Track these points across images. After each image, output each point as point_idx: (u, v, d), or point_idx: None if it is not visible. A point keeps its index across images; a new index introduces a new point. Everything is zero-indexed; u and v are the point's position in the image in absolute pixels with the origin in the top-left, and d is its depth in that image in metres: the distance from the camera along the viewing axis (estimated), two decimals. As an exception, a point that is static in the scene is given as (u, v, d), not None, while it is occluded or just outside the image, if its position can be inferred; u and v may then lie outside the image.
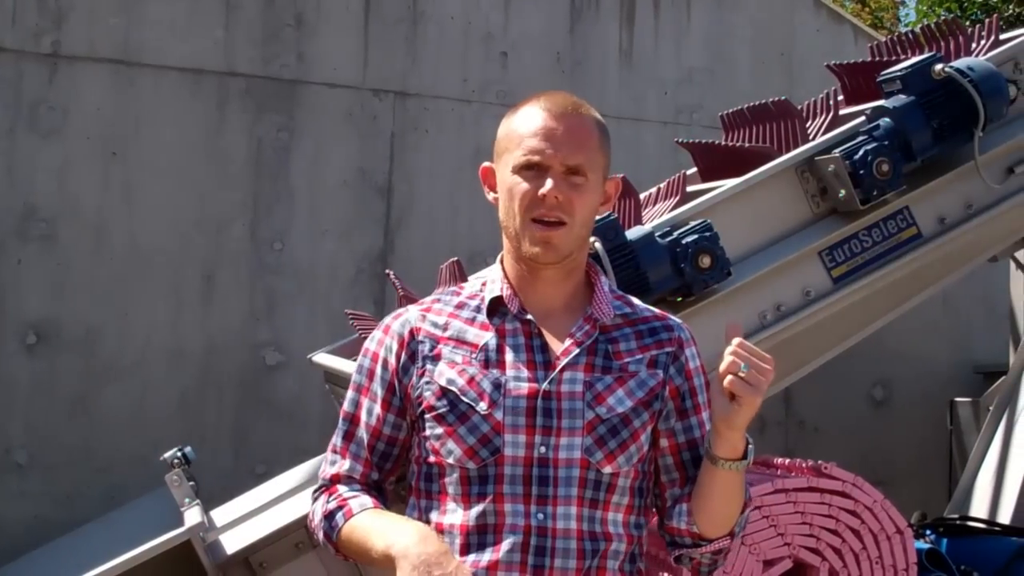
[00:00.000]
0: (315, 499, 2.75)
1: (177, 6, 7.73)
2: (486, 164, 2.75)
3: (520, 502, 2.56)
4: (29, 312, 7.33)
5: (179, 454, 5.40)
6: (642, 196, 5.98)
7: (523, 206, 2.60)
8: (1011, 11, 17.51)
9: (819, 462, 4.64)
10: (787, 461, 4.86)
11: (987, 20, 5.94)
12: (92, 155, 7.50)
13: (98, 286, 7.44)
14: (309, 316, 7.75)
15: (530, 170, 2.59)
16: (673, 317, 2.83)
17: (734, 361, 2.47)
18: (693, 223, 4.91)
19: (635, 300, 2.84)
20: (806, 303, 5.18)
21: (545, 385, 2.60)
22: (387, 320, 2.78)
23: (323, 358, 6.01)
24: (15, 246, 7.33)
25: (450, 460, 2.59)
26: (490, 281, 2.72)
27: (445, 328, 2.69)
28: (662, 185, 6.16)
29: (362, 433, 2.72)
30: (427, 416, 2.62)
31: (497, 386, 2.60)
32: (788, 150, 5.51)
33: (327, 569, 4.94)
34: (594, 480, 2.59)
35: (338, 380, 5.73)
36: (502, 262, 2.75)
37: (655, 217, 5.58)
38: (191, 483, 5.30)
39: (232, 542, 5.14)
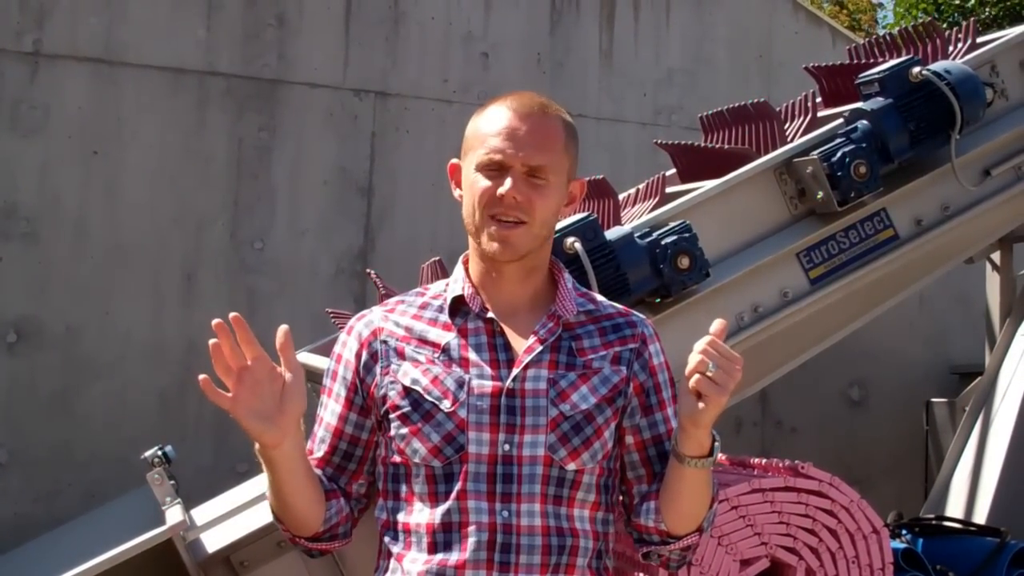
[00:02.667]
0: None
1: (159, 5, 7.74)
2: (454, 161, 2.77)
3: (484, 499, 2.56)
4: (10, 310, 7.33)
5: (160, 453, 5.38)
6: (621, 197, 6.00)
7: (482, 204, 2.62)
8: (988, 13, 17.59)
9: (796, 462, 4.67)
10: (764, 461, 4.89)
11: (964, 23, 5.97)
12: (73, 154, 7.51)
13: (79, 284, 7.45)
14: (290, 315, 7.72)
15: (492, 169, 2.62)
16: (636, 313, 2.84)
17: (702, 360, 2.49)
18: (672, 224, 4.91)
19: (599, 297, 2.86)
20: (784, 304, 5.20)
21: (508, 383, 2.61)
22: (351, 322, 2.80)
23: (304, 356, 6.01)
24: (-4, 245, 7.35)
25: (415, 459, 2.60)
26: (452, 281, 2.75)
27: (408, 328, 2.71)
28: (641, 186, 6.18)
29: (323, 434, 2.76)
30: (391, 416, 2.64)
31: (460, 384, 2.61)
32: (767, 152, 5.53)
33: (308, 568, 4.94)
34: (558, 477, 2.60)
35: (319, 379, 5.72)
36: (465, 262, 2.77)
37: (634, 218, 5.59)
38: (172, 482, 5.30)
39: (213, 541, 5.12)
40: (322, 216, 7.97)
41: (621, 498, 2.82)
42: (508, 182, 2.59)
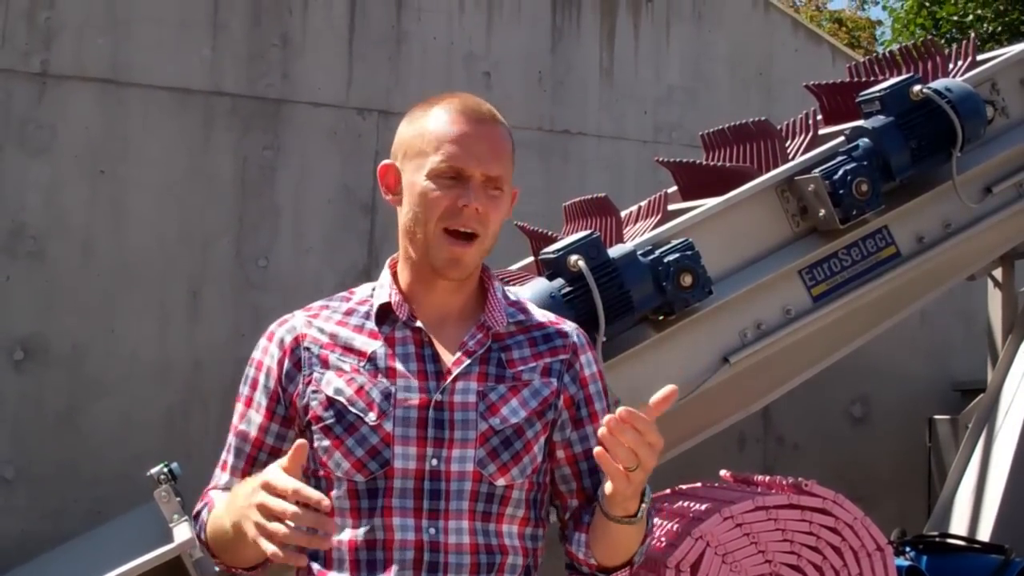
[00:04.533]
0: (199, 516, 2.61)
1: (165, 26, 7.78)
2: (386, 163, 2.61)
3: (410, 516, 2.44)
4: (17, 328, 7.36)
5: (166, 470, 5.40)
6: (623, 214, 6.03)
7: (438, 215, 2.48)
8: (986, 29, 17.63)
9: (799, 479, 4.69)
10: (767, 478, 4.91)
11: (964, 41, 6.01)
12: (80, 173, 7.54)
13: (85, 302, 7.47)
14: (294, 332, 7.76)
15: (448, 177, 2.48)
16: (569, 322, 2.72)
17: (622, 451, 2.26)
18: (675, 242, 4.95)
19: (531, 306, 2.72)
20: (786, 321, 5.23)
21: (437, 395, 2.48)
22: (272, 327, 2.63)
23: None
24: (4, 263, 7.37)
25: (338, 473, 2.46)
26: (379, 287, 2.61)
27: (333, 335, 2.55)
28: (643, 204, 6.21)
29: (240, 444, 2.61)
30: (314, 427, 2.49)
31: (387, 396, 2.47)
32: (768, 170, 5.56)
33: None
34: (487, 493, 2.49)
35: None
36: (392, 267, 2.63)
37: (637, 236, 5.62)
38: (178, 499, 5.32)
39: (220, 558, 5.15)
40: (326, 234, 8.00)
41: (556, 513, 2.71)
42: (471, 194, 2.46)
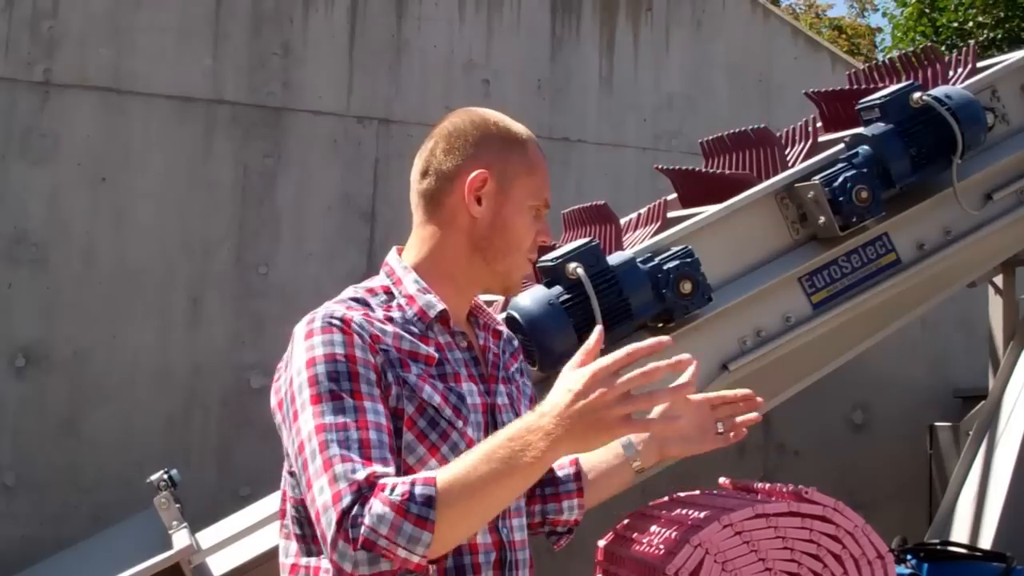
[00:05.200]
0: (354, 522, 2.20)
1: (166, 36, 7.80)
2: (483, 172, 2.57)
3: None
4: (18, 335, 7.38)
5: (165, 476, 5.40)
6: (622, 222, 6.03)
7: (528, 246, 2.61)
8: (986, 36, 17.65)
9: (800, 486, 4.68)
10: (767, 486, 4.90)
11: (964, 48, 6.01)
12: (82, 181, 7.56)
13: (86, 309, 7.49)
14: (294, 339, 7.76)
15: (536, 210, 2.62)
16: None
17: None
18: (674, 249, 4.94)
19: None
20: (786, 328, 5.22)
21: (490, 398, 2.56)
22: (335, 322, 2.43)
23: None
24: (6, 270, 7.39)
25: None
26: (414, 292, 2.55)
27: (396, 337, 2.45)
28: (643, 211, 6.20)
29: (378, 436, 2.31)
30: (406, 433, 2.40)
31: (462, 401, 2.47)
32: (768, 177, 5.56)
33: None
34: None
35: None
36: (419, 270, 2.59)
37: (636, 243, 5.61)
38: (178, 505, 5.32)
39: (219, 564, 5.15)
40: (326, 241, 8.01)
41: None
42: (546, 231, 2.65)
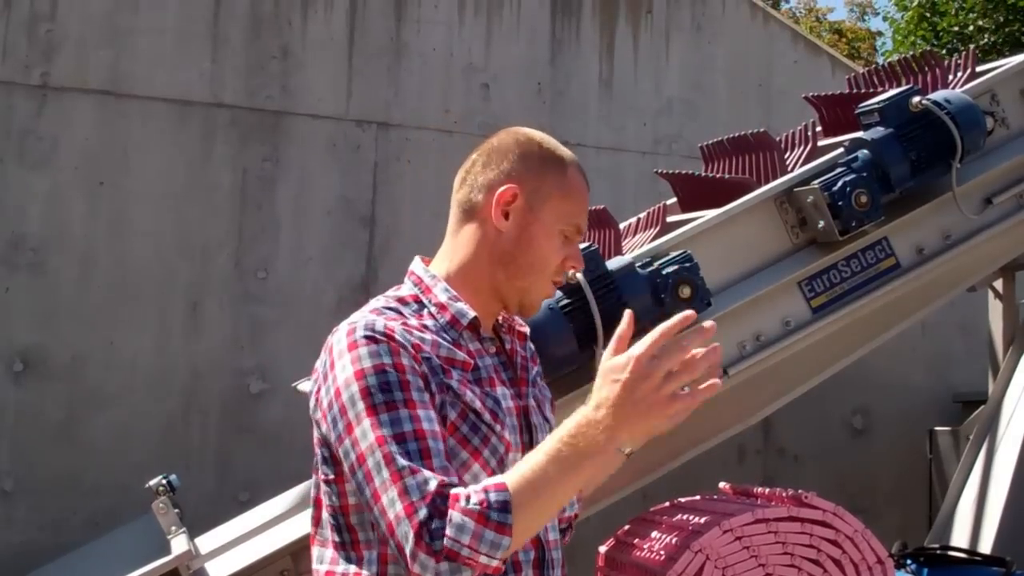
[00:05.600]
0: (435, 534, 2.23)
1: (165, 39, 7.80)
2: (513, 187, 2.58)
3: None
4: (16, 340, 7.37)
5: (164, 481, 5.39)
6: (622, 226, 6.02)
7: (553, 268, 2.61)
8: (986, 40, 17.64)
9: (799, 491, 4.67)
10: (767, 490, 4.89)
11: (964, 52, 5.99)
12: (80, 185, 7.56)
13: (85, 314, 7.48)
14: (293, 343, 7.77)
15: (567, 235, 2.62)
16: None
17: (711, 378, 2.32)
18: (673, 254, 4.93)
19: None
20: (785, 333, 5.20)
21: (523, 401, 2.61)
22: (377, 333, 2.43)
23: (307, 386, 6.02)
24: (3, 274, 7.38)
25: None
26: (446, 301, 2.58)
27: (434, 344, 2.48)
28: (642, 215, 6.19)
29: (435, 444, 2.34)
30: (448, 438, 2.41)
31: (498, 405, 2.51)
32: (767, 181, 5.54)
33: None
34: None
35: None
36: (447, 279, 2.63)
37: (635, 247, 5.60)
38: (176, 510, 5.31)
39: (218, 570, 5.14)
40: (325, 246, 8.00)
41: None
42: (578, 257, 2.64)
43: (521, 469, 2.28)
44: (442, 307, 2.57)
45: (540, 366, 2.80)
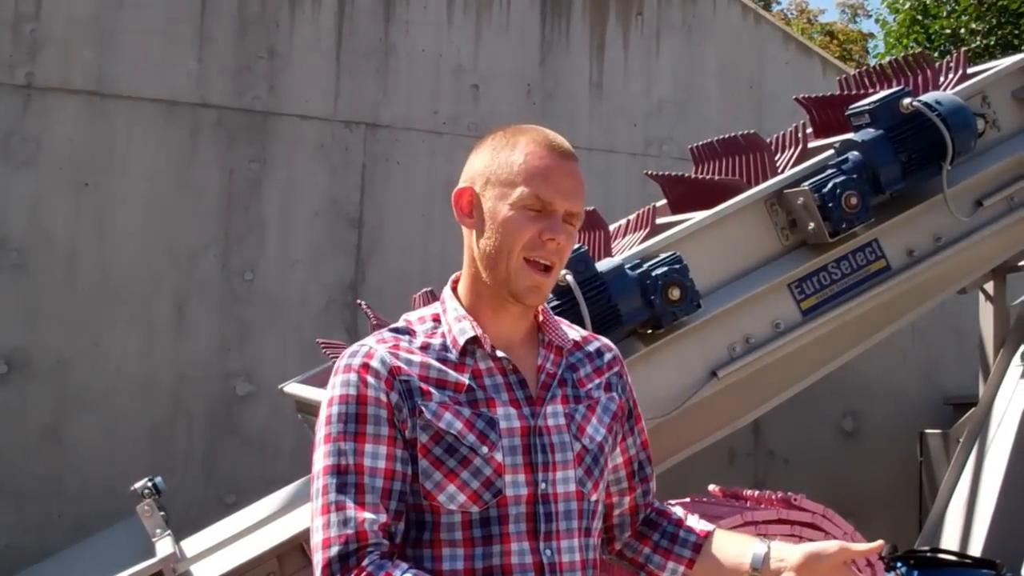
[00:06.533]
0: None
1: (151, 38, 7.75)
2: (463, 187, 2.60)
3: (526, 540, 2.48)
4: (0, 342, 7.32)
5: (149, 484, 5.37)
6: (612, 228, 6.00)
7: (521, 245, 2.52)
8: (979, 43, 17.64)
9: (789, 494, 4.65)
10: (757, 493, 4.87)
11: (955, 54, 5.97)
12: (65, 186, 7.51)
13: (69, 316, 7.43)
14: (280, 346, 7.74)
15: (534, 211, 2.52)
16: (603, 337, 2.83)
17: None
18: (663, 255, 4.91)
19: (568, 322, 2.80)
20: (775, 335, 5.18)
21: (533, 421, 2.54)
22: (355, 361, 2.52)
23: (294, 388, 6.01)
24: (-13, 276, 7.34)
25: (451, 506, 2.46)
26: (453, 320, 2.60)
27: (423, 367, 2.52)
28: (632, 217, 6.17)
29: (371, 481, 2.44)
30: (421, 460, 2.47)
31: (492, 426, 2.50)
32: (757, 183, 5.52)
33: (296, 601, 4.93)
34: (587, 510, 2.57)
35: (309, 409, 5.71)
36: (456, 295, 2.65)
37: (625, 249, 5.58)
38: (162, 513, 5.28)
39: (204, 573, 5.11)
40: (313, 247, 7.96)
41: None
42: (556, 228, 2.52)
43: None
44: (450, 326, 2.60)
45: (611, 373, 2.75)
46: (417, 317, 2.66)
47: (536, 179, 2.53)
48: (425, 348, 2.56)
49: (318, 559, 2.41)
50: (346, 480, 2.44)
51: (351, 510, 2.42)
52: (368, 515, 2.42)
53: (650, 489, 2.86)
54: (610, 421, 2.67)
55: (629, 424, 2.78)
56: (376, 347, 2.54)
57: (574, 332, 2.75)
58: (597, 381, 2.70)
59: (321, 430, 2.50)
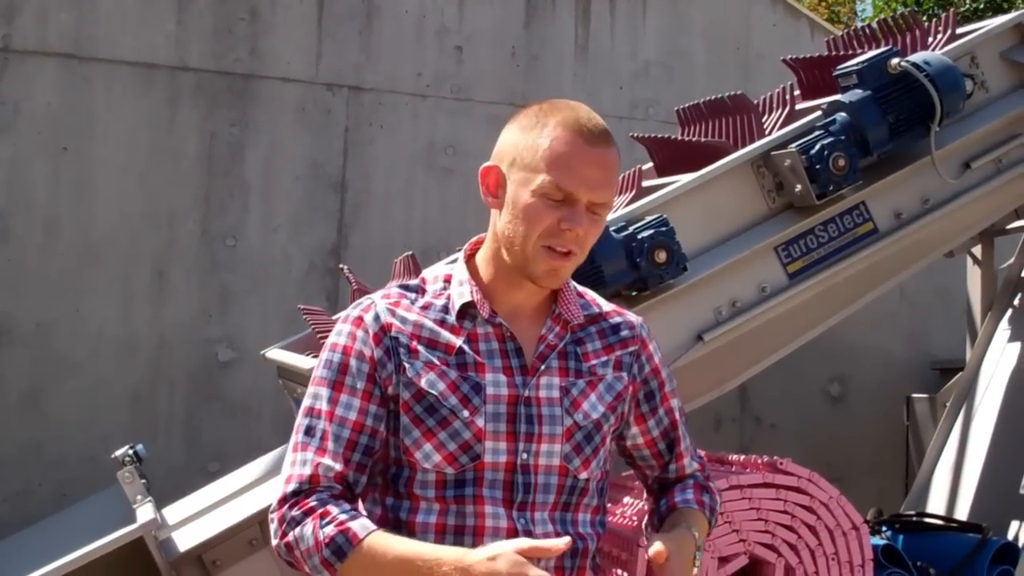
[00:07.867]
0: (290, 519, 2.49)
1: (129, 0, 7.65)
2: (490, 165, 2.61)
3: (500, 506, 2.53)
4: (-21, 308, 7.27)
5: (131, 451, 5.34)
6: (597, 191, 5.94)
7: (540, 233, 2.51)
8: (967, 6, 17.58)
9: (775, 458, 4.62)
10: (742, 458, 4.84)
11: (944, 14, 5.93)
12: (43, 150, 7.43)
13: (49, 281, 7.37)
14: (262, 312, 7.69)
15: (556, 200, 2.50)
16: (631, 314, 2.82)
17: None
18: (649, 218, 4.87)
19: (594, 295, 2.81)
20: (762, 299, 5.15)
21: (524, 391, 2.57)
22: (353, 312, 2.64)
23: (276, 354, 5.96)
24: (-35, 242, 7.28)
25: (426, 464, 2.54)
26: (456, 283, 2.66)
27: (416, 326, 2.60)
28: (617, 180, 6.12)
29: (337, 430, 2.54)
30: (403, 416, 2.56)
31: (477, 391, 2.55)
32: (744, 145, 5.48)
33: (280, 567, 4.89)
34: (570, 486, 2.60)
35: (291, 376, 5.68)
36: (469, 261, 2.69)
37: (610, 211, 5.54)
38: (143, 480, 5.25)
39: (185, 539, 5.09)
40: (295, 212, 7.90)
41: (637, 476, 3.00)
42: (577, 218, 2.51)
43: (386, 541, 2.42)
44: (444, 288, 2.68)
45: (625, 352, 2.75)
46: (433, 276, 2.73)
47: (559, 167, 2.50)
48: (426, 308, 2.64)
49: (278, 492, 2.53)
50: (315, 425, 2.56)
51: (311, 452, 2.54)
52: (326, 461, 2.52)
53: (680, 466, 2.92)
54: (612, 400, 2.67)
55: (651, 406, 2.81)
56: (378, 302, 2.64)
57: (597, 307, 2.76)
58: (604, 358, 2.70)
59: (315, 372, 2.62)
